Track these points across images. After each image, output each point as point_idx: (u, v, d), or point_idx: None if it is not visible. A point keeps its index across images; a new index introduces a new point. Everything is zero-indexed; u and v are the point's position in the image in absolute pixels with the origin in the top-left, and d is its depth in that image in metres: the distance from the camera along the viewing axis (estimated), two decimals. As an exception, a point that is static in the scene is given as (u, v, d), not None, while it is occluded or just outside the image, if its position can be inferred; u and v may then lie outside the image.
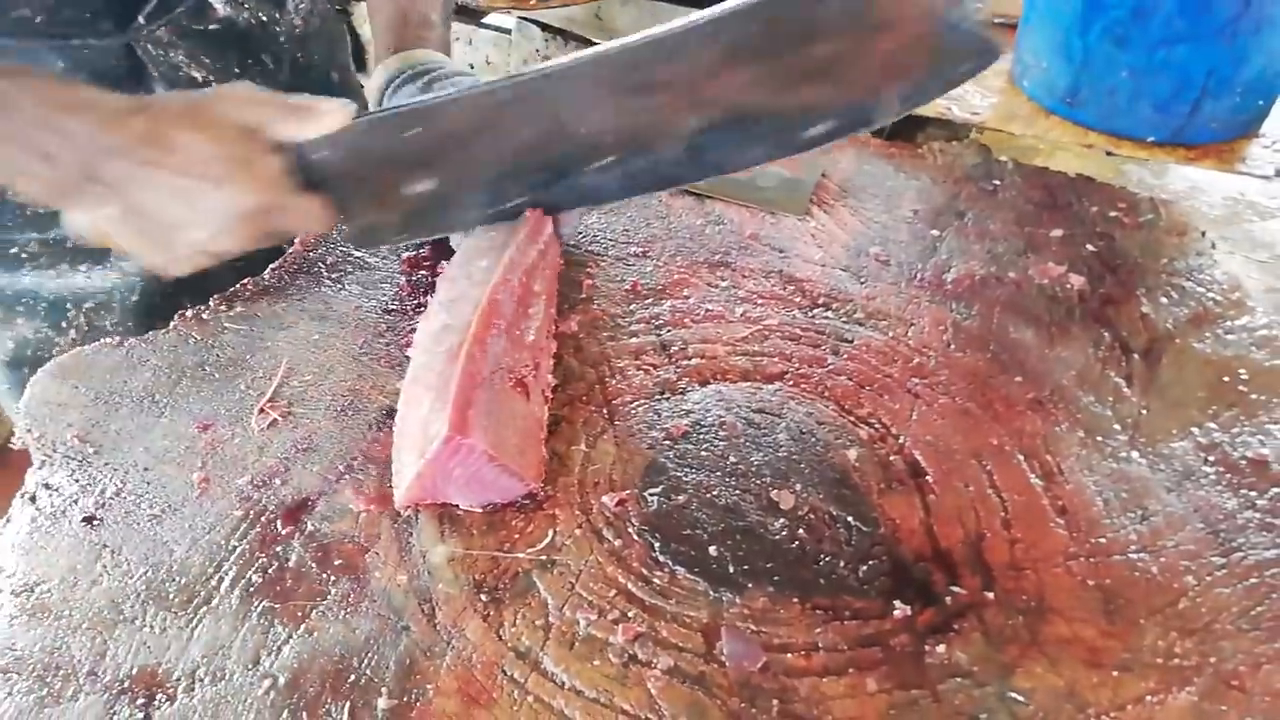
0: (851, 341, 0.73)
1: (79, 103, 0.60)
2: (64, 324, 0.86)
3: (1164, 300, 0.78)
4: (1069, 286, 0.79)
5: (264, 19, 0.89)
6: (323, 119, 0.63)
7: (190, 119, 0.61)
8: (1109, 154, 0.99)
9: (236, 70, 0.87)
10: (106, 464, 0.65)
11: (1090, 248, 0.84)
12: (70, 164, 0.59)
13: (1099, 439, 0.67)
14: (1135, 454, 0.66)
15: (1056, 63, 0.96)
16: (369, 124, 0.66)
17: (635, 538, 0.59)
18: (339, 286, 0.78)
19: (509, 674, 0.53)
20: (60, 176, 0.59)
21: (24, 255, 0.84)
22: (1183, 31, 0.87)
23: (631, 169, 0.69)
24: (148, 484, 0.63)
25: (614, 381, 0.70)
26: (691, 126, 0.66)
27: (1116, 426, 0.68)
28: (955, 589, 0.57)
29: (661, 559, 0.58)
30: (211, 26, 0.85)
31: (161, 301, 0.86)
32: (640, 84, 0.65)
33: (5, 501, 0.63)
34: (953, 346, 0.73)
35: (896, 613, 0.55)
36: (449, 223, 0.74)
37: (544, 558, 0.58)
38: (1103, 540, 0.60)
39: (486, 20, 1.70)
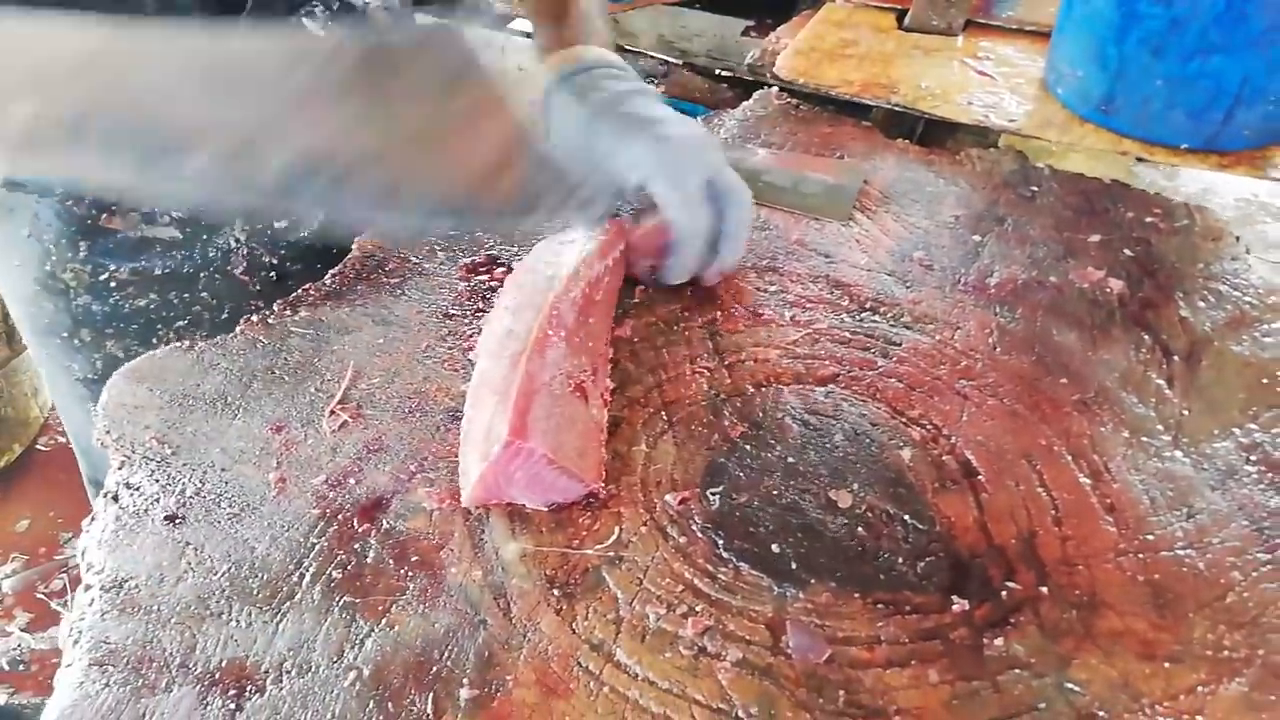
0: (900, 344, 0.76)
1: None
2: (154, 339, 0.89)
3: (1202, 304, 0.80)
4: (1109, 291, 0.81)
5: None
6: None
7: None
8: (1140, 160, 1.01)
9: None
10: (185, 464, 0.67)
11: (1128, 252, 0.86)
12: None
13: (1143, 439, 0.69)
14: (1179, 453, 0.68)
15: (1092, 71, 0.98)
16: None
17: (699, 535, 0.62)
18: (399, 292, 0.81)
19: (584, 666, 0.55)
20: None
21: (114, 284, 0.86)
22: (1218, 41, 0.89)
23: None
24: (226, 484, 0.66)
25: (670, 384, 0.72)
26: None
27: (1160, 427, 0.70)
28: (1010, 584, 0.59)
29: (726, 555, 0.60)
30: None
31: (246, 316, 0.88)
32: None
33: (30, 503, 0.65)
34: (998, 349, 0.75)
35: (955, 607, 0.57)
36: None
37: (612, 554, 0.61)
38: (1150, 537, 0.62)
39: (516, 26, 1.73)
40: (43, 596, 1.73)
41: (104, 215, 0.84)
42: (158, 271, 0.86)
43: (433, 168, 0.56)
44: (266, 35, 0.51)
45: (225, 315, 0.89)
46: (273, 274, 0.90)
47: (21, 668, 1.63)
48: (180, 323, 0.89)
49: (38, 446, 2.01)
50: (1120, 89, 0.96)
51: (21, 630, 1.68)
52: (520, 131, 0.56)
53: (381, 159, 0.54)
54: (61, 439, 2.03)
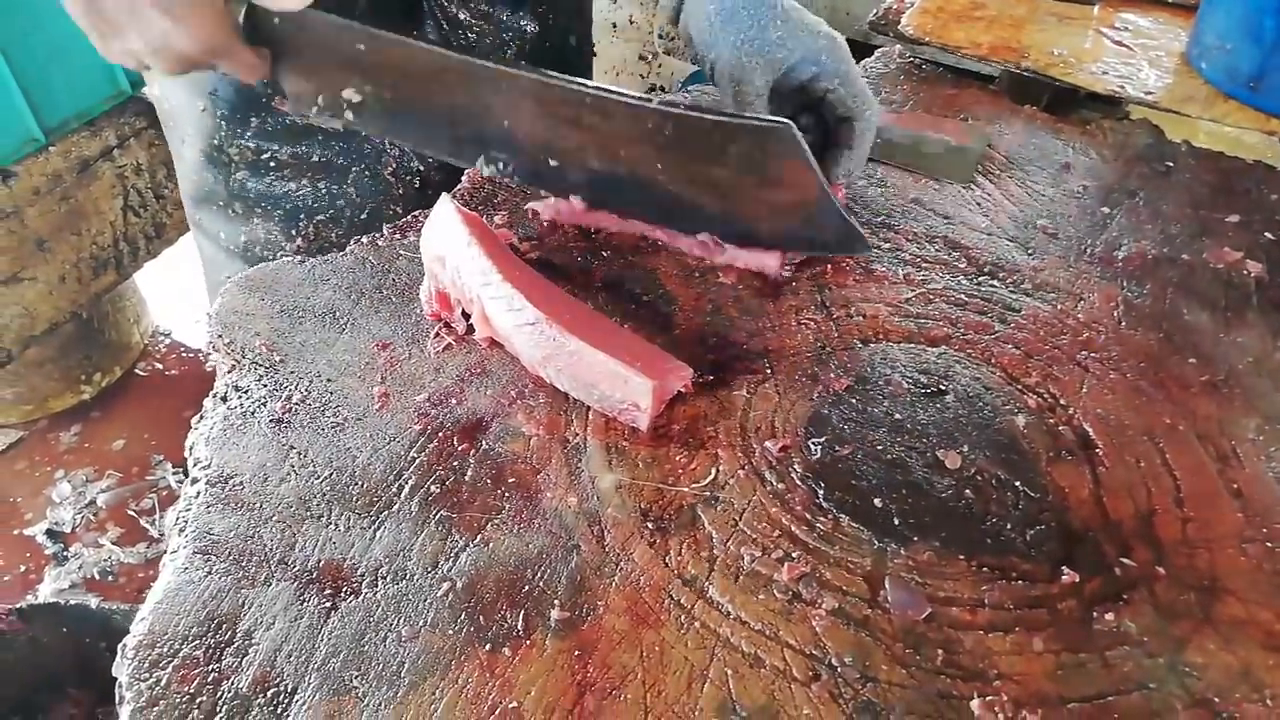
0: (1019, 311, 0.72)
1: None
2: (294, 231, 0.92)
3: (1349, 294, 0.75)
4: (1246, 273, 0.77)
5: None
6: None
7: None
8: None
9: (505, 16, 0.89)
10: (292, 372, 0.68)
11: (1269, 236, 0.81)
12: None
13: (1278, 427, 0.65)
14: (1317, 445, 0.63)
15: (1243, 45, 0.92)
16: (326, 22, 0.67)
17: (798, 483, 0.60)
18: (505, 223, 0.81)
19: (676, 599, 0.54)
20: None
21: (273, 164, 0.89)
22: (1391, 15, 0.83)
23: (537, 168, 0.76)
24: (331, 394, 0.66)
25: (774, 333, 0.71)
26: (594, 166, 0.74)
27: (1296, 417, 0.65)
28: (1125, 561, 0.56)
29: (825, 505, 0.59)
30: None
31: (386, 221, 0.90)
32: (565, 117, 0.72)
33: (126, 424, 0.67)
34: (1124, 324, 0.72)
35: (1064, 578, 0.55)
36: (370, 130, 0.80)
37: (707, 494, 0.60)
38: (1281, 527, 0.58)
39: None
40: (133, 513, 1.81)
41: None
42: (314, 158, 0.88)
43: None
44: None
45: (365, 214, 0.91)
46: (416, 180, 0.91)
47: (110, 579, 1.70)
48: (321, 216, 0.91)
49: (136, 371, 2.09)
50: (1275, 64, 0.90)
51: (113, 544, 1.75)
52: None
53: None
54: (159, 365, 2.11)
